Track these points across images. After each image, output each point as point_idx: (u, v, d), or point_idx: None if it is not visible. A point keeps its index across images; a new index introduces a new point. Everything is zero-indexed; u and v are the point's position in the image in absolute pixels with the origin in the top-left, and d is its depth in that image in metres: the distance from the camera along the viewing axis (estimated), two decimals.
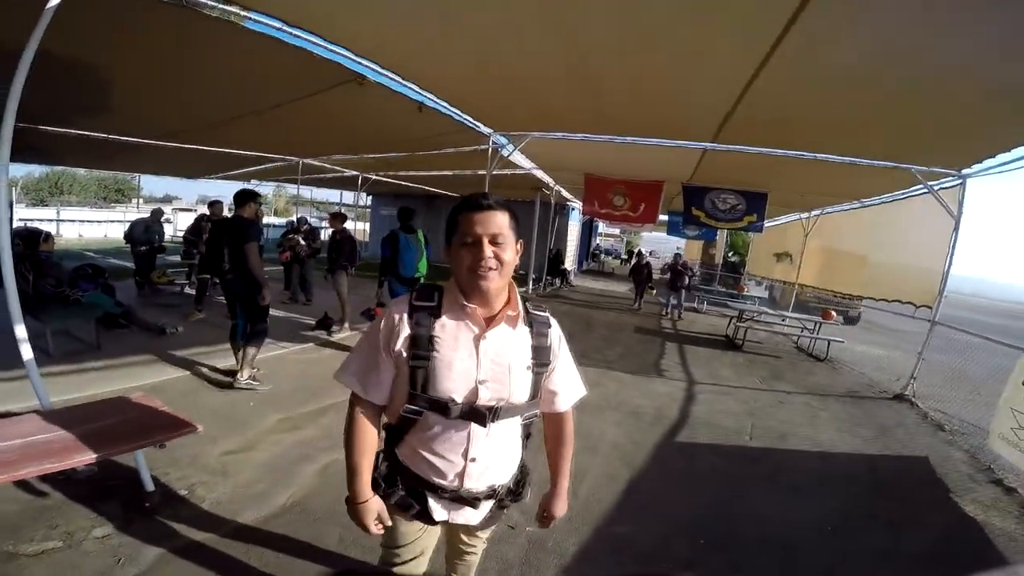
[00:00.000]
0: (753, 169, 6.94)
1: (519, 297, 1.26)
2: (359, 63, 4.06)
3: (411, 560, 1.33)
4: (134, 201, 31.91)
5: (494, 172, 7.22)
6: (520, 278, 13.03)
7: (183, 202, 34.66)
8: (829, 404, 5.44)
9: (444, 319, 1.18)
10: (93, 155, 9.03)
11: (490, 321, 1.20)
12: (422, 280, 5.20)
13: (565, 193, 12.98)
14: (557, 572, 2.30)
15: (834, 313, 8.81)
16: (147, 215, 8.51)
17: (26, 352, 2.81)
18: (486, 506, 1.29)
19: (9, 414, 3.23)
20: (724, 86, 3.97)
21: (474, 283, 1.15)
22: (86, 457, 2.12)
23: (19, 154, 4.78)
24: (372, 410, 1.25)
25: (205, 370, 4.49)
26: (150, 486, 2.57)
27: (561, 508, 1.44)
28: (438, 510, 1.25)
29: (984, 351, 5.44)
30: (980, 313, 20.48)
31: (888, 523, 3.01)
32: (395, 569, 1.36)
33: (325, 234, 10.12)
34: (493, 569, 2.24)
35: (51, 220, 19.32)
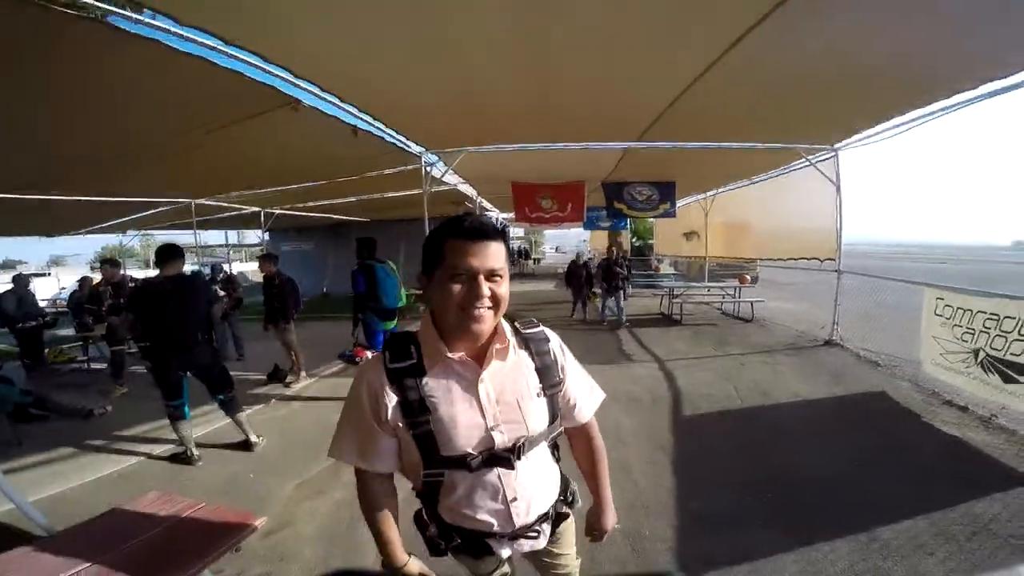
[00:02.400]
0: (664, 162, 7.63)
1: (505, 323, 1.15)
2: (296, 85, 3.70)
3: None
4: None
5: (421, 191, 7.07)
6: None
7: (31, 266, 29.09)
8: (779, 359, 6.14)
9: (430, 375, 1.07)
10: None
11: (481, 360, 1.09)
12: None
13: (486, 204, 13.09)
14: (671, 554, 2.42)
15: (748, 277, 9.95)
16: (11, 285, 7.10)
17: None
18: (546, 529, 1.24)
19: None
20: (665, 89, 4.36)
21: (466, 325, 1.02)
22: None
23: None
24: (382, 478, 1.16)
25: (167, 448, 3.95)
26: None
27: (610, 520, 1.38)
28: (502, 550, 1.19)
29: (881, 291, 6.47)
30: (871, 259, 24.89)
31: (893, 448, 3.48)
32: None
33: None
34: (610, 569, 2.31)
35: None
